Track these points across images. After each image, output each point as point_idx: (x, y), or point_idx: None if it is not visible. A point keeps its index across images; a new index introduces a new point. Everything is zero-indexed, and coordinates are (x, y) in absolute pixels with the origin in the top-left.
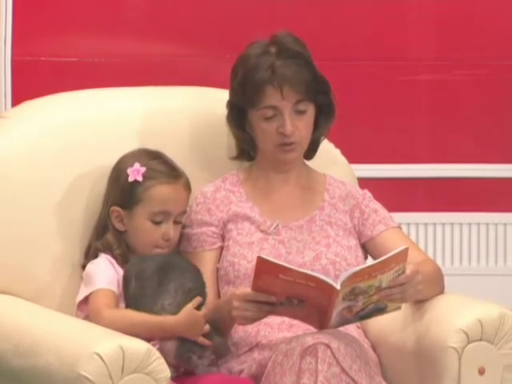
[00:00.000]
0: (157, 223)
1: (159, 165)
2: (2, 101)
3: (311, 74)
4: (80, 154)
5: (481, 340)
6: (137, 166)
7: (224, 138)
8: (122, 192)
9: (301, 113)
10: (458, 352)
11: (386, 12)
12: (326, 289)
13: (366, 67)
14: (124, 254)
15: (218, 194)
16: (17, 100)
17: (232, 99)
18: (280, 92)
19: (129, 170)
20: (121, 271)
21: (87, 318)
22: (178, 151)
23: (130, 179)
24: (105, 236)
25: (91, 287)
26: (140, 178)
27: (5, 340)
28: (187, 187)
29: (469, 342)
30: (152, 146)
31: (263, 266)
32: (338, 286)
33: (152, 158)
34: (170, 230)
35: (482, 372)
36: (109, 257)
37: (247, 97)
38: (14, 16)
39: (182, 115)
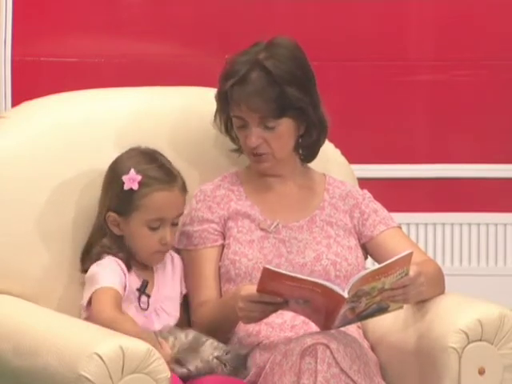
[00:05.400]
0: (153, 229)
1: (155, 170)
2: (2, 101)
3: (276, 92)
4: (80, 154)
5: (481, 340)
6: (132, 173)
7: (224, 138)
8: (117, 199)
9: (269, 128)
10: (457, 352)
11: (386, 12)
12: (334, 296)
13: (366, 67)
14: (128, 258)
15: (218, 191)
16: (17, 100)
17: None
18: (239, 107)
19: (124, 178)
20: (128, 274)
21: (88, 318)
22: (178, 151)
23: (126, 187)
24: (102, 240)
25: (95, 286)
26: (136, 187)
27: (5, 340)
28: (183, 189)
29: (469, 342)
30: (152, 146)
31: (269, 276)
32: (345, 294)
33: (148, 161)
34: (167, 234)
35: (482, 372)
36: (116, 258)
37: (218, 103)
38: (14, 16)
39: (181, 115)
